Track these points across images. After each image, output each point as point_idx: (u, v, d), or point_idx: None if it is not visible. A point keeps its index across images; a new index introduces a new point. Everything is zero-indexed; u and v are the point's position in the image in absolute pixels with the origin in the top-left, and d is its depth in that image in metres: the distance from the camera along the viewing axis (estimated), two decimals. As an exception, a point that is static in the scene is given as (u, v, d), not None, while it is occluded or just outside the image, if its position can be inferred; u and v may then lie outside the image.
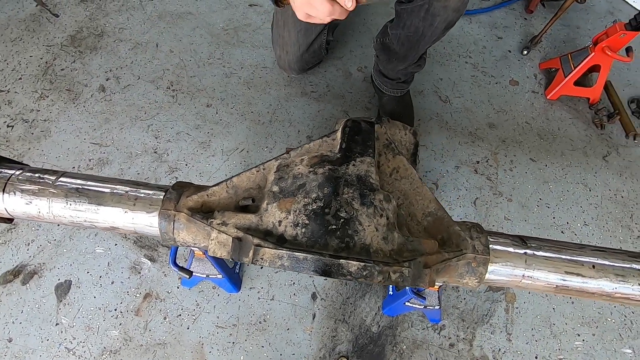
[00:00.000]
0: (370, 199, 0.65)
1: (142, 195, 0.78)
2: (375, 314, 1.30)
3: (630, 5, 2.13)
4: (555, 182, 1.58)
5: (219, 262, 1.18)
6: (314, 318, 1.28)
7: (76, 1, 1.92)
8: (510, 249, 0.77)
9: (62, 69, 1.72)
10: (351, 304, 1.31)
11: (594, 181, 1.60)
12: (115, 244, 1.36)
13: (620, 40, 1.54)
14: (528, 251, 0.77)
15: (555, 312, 1.34)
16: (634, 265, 0.78)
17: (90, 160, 1.51)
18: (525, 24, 2.03)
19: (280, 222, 0.65)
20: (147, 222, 0.77)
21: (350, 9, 0.74)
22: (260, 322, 1.27)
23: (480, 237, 0.76)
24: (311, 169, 0.70)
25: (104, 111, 1.62)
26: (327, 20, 0.77)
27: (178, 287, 1.30)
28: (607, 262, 0.77)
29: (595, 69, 1.71)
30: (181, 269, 1.08)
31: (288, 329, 1.26)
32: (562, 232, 1.48)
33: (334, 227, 0.61)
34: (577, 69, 1.67)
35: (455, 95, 1.77)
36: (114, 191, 0.78)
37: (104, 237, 1.37)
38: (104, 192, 0.78)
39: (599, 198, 1.56)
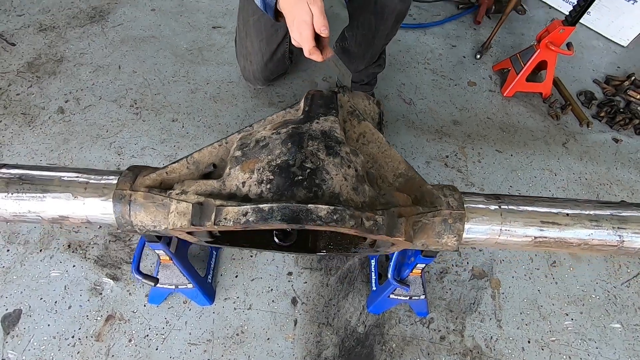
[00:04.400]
0: (336, 150, 0.63)
1: (94, 180, 0.73)
2: (360, 313, 1.23)
3: (560, 11, 2.34)
4: (522, 170, 1.63)
5: (188, 268, 1.10)
6: (295, 324, 1.20)
7: (35, 30, 1.90)
8: (485, 206, 0.76)
9: (18, 94, 1.66)
10: (334, 305, 1.24)
11: (558, 166, 1.65)
12: (74, 266, 1.24)
13: (560, 36, 1.67)
14: (503, 206, 0.77)
15: (541, 293, 1.31)
16: (605, 212, 0.78)
17: (46, 181, 1.42)
18: (475, 33, 2.18)
19: (244, 183, 0.62)
20: (100, 207, 0.71)
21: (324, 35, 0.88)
22: (237, 335, 1.16)
23: (454, 194, 0.75)
24: (274, 131, 0.67)
25: (62, 132, 1.55)
26: (307, 47, 0.89)
27: (145, 305, 1.19)
28: (579, 210, 0.77)
29: (542, 65, 1.84)
30: (145, 276, 0.99)
31: (268, 339, 1.16)
32: (535, 215, 1.50)
33: (300, 177, 0.58)
34: (526, 65, 1.79)
35: (418, 97, 1.83)
36: (62, 177, 0.73)
37: (60, 260, 1.25)
38: (50, 178, 0.72)
39: (565, 182, 1.61)
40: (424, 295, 1.16)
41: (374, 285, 1.25)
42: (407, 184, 0.75)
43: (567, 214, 0.76)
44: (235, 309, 1.21)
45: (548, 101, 1.88)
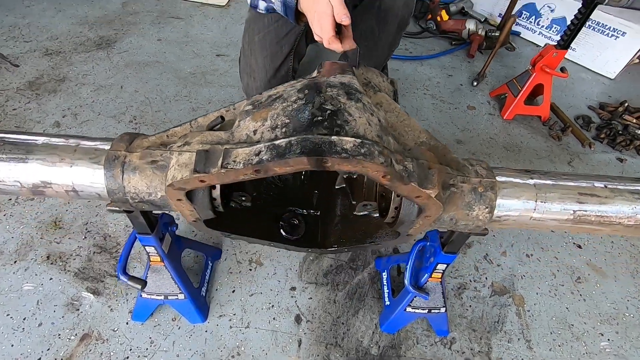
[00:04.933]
0: (357, 96, 0.57)
1: (85, 143, 0.66)
2: (373, 332, 1.09)
3: (537, 44, 2.46)
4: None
5: (180, 274, 0.98)
6: (299, 345, 1.05)
7: (40, 54, 1.92)
8: (518, 179, 0.70)
9: (14, 109, 1.62)
10: (343, 323, 1.10)
11: (567, 183, 1.61)
12: (51, 278, 1.11)
13: (554, 59, 1.73)
14: (536, 179, 0.70)
15: (570, 311, 1.19)
16: (645, 186, 0.72)
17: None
18: (469, 65, 2.26)
19: (255, 131, 0.55)
20: (90, 172, 0.64)
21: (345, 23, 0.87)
22: (233, 357, 1.01)
23: (481, 163, 0.69)
24: (289, 85, 0.63)
25: (55, 144, 1.49)
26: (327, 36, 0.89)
27: (127, 323, 1.04)
28: (617, 184, 0.71)
29: (539, 90, 1.88)
30: (132, 278, 0.88)
31: (268, 362, 1.01)
32: (552, 230, 1.42)
33: (319, 118, 0.52)
34: (524, 88, 1.83)
35: (420, 118, 1.84)
36: (49, 142, 0.65)
37: (36, 272, 1.12)
38: (35, 142, 0.65)
39: (577, 198, 1.55)
40: (444, 308, 1.03)
41: (387, 299, 1.12)
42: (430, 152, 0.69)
43: (606, 186, 0.69)
44: (231, 327, 1.06)
45: (548, 124, 1.90)
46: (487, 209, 0.66)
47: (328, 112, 0.53)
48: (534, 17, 2.47)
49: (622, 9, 2.26)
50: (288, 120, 0.53)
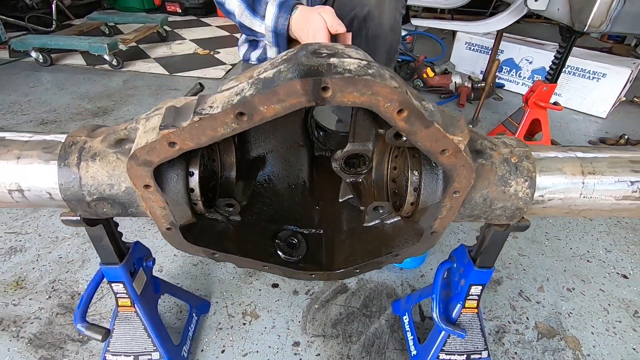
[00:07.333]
0: (356, 50, 0.50)
1: (39, 137, 0.56)
2: (401, 394, 0.85)
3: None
4: (552, 217, 1.44)
5: (156, 324, 0.79)
6: (308, 417, 0.80)
7: (35, 124, 1.93)
8: (556, 154, 0.59)
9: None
10: (361, 384, 0.87)
11: (590, 212, 1.48)
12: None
13: (544, 93, 1.75)
14: (577, 153, 0.59)
15: (638, 352, 0.96)
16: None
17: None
18: (461, 113, 2.29)
19: (238, 89, 0.46)
20: (40, 167, 0.53)
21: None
22: None
23: (507, 136, 0.59)
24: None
25: (34, 202, 1.38)
26: None
27: (85, 400, 0.81)
28: (671, 153, 0.60)
29: (536, 127, 1.87)
30: (92, 326, 0.70)
31: None
32: (588, 260, 1.24)
33: (314, 64, 0.43)
34: (521, 124, 1.81)
35: (420, 160, 1.77)
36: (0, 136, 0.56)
37: (-19, 341, 0.91)
38: (-17, 136, 0.55)
39: (605, 226, 1.41)
40: (486, 352, 0.82)
41: (413, 348, 0.91)
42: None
43: (660, 154, 0.58)
44: (218, 397, 0.83)
45: (552, 158, 1.84)
46: (526, 183, 0.53)
47: (324, 55, 0.44)
48: (514, 70, 2.61)
49: (597, 53, 2.40)
50: (276, 69, 0.44)
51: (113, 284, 0.72)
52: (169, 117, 0.41)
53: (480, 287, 0.76)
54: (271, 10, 0.98)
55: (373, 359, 0.92)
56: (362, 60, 0.39)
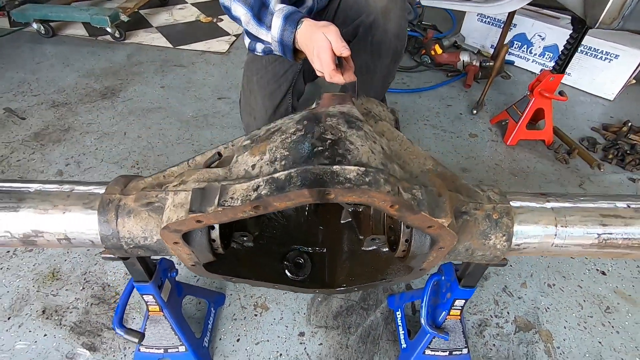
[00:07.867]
0: (358, 124, 0.55)
1: (79, 189, 0.63)
2: (391, 380, 1.00)
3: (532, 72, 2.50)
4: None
5: (181, 323, 0.92)
6: (311, 398, 0.96)
7: (47, 107, 1.98)
8: (533, 203, 0.66)
9: (18, 160, 1.63)
10: (357, 371, 1.01)
11: (581, 206, 1.55)
12: (45, 335, 1.05)
13: (551, 83, 1.74)
14: (554, 203, 0.66)
15: (604, 346, 1.09)
16: (671, 205, 0.67)
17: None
18: (467, 95, 2.29)
19: (253, 165, 0.53)
20: (83, 219, 0.61)
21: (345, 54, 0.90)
22: (238, 415, 0.92)
23: (493, 188, 0.65)
24: (287, 119, 0.61)
25: (57, 193, 1.48)
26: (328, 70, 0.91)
27: (124, 381, 0.96)
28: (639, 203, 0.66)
29: (539, 115, 1.88)
30: (129, 331, 0.82)
31: (278, 420, 0.91)
32: (571, 257, 1.34)
33: (320, 148, 0.49)
34: (524, 114, 1.82)
35: (423, 148, 1.80)
36: (42, 188, 0.63)
37: (30, 328, 1.06)
38: (28, 189, 0.63)
39: (593, 221, 1.49)
40: (466, 349, 0.95)
41: (403, 342, 1.04)
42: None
43: (629, 206, 0.65)
44: (236, 380, 0.98)
45: (552, 147, 1.88)
46: (504, 237, 0.61)
47: (328, 141, 0.50)
48: (525, 46, 2.53)
49: (612, 32, 2.32)
50: (287, 153, 0.51)
51: (144, 296, 0.83)
52: (195, 202, 0.49)
53: (463, 301, 0.86)
54: (277, 22, 0.99)
55: (369, 348, 1.06)
56: (360, 167, 0.45)
